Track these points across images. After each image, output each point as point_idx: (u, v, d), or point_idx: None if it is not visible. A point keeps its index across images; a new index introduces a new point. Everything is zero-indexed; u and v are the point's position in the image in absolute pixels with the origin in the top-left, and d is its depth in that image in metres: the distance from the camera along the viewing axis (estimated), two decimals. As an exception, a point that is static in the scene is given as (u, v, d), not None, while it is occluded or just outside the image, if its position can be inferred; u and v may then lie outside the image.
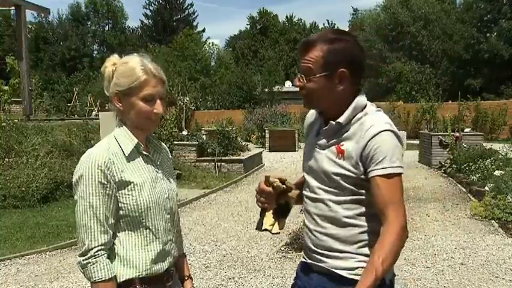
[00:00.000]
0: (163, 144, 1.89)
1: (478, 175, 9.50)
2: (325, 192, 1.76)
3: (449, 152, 11.75)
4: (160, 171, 1.79)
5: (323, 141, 1.79)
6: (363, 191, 1.71)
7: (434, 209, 7.76)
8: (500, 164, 9.51)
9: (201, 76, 37.02)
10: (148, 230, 1.69)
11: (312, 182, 1.82)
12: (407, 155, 14.08)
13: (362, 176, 1.69)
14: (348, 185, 1.71)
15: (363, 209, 1.72)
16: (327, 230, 1.76)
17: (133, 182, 1.66)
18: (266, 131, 18.81)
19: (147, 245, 1.70)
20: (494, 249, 5.58)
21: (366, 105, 1.76)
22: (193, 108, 24.19)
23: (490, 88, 30.15)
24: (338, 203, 1.72)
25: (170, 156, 1.95)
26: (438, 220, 7.02)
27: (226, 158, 12.47)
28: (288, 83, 36.26)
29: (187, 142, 12.62)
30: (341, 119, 1.73)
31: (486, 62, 31.73)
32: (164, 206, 1.75)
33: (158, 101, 1.69)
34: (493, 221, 6.73)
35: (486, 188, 8.27)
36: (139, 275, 1.68)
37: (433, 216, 7.21)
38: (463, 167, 10.37)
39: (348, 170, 1.70)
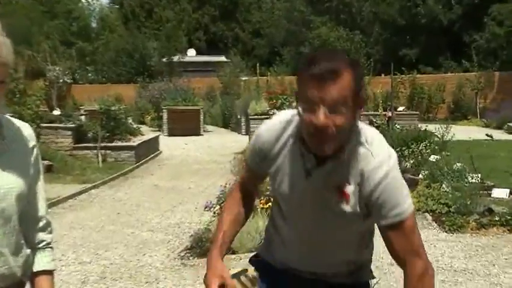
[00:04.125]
0: (19, 128, 1.76)
1: (411, 161, 10.07)
2: (336, 229, 1.89)
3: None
4: None
5: (321, 183, 1.78)
6: (369, 217, 1.84)
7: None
8: (436, 147, 10.15)
9: (78, 40, 35.76)
10: None
11: (319, 220, 1.87)
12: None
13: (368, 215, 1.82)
14: (358, 219, 1.83)
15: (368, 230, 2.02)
16: (342, 256, 2.01)
17: None
18: (164, 110, 18.71)
19: None
20: (426, 246, 5.85)
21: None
22: (68, 81, 23.44)
23: (427, 59, 31.88)
24: (351, 234, 1.94)
25: (28, 143, 1.79)
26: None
27: (113, 144, 12.37)
28: (191, 51, 35.98)
29: (61, 125, 12.28)
30: (341, 155, 1.74)
31: (423, 27, 33.43)
32: None
33: None
34: (426, 213, 7.16)
35: (420, 176, 8.80)
36: None
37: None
38: (395, 151, 10.94)
39: (356, 212, 1.80)
